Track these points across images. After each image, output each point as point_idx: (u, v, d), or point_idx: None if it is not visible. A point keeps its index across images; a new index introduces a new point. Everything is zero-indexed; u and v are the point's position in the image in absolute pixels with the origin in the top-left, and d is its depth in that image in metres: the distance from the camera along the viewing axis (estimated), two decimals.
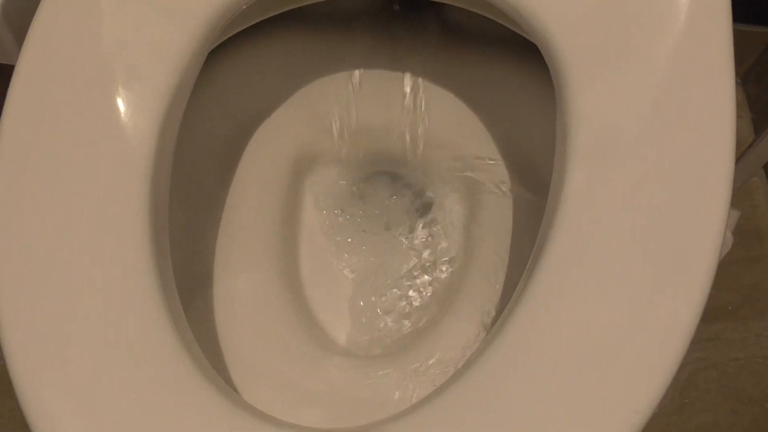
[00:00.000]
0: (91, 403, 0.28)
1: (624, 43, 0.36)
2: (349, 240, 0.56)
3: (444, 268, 0.55)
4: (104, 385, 0.28)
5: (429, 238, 0.56)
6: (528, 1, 0.39)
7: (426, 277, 0.54)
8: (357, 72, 0.56)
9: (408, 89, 0.57)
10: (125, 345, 0.29)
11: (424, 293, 0.53)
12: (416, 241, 0.57)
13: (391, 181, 0.60)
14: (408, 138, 0.58)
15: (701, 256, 0.30)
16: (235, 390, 0.42)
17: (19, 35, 0.38)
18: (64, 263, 0.30)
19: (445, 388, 0.27)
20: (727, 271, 0.81)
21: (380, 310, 0.51)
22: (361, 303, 0.52)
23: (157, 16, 0.37)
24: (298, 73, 0.56)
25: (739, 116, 0.92)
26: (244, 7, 0.40)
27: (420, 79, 0.56)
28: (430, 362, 0.43)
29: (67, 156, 0.32)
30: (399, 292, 0.54)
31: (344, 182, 0.59)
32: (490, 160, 0.55)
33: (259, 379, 0.44)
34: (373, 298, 0.53)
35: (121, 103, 0.34)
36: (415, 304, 0.52)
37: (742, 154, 0.69)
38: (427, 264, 0.55)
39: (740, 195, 0.88)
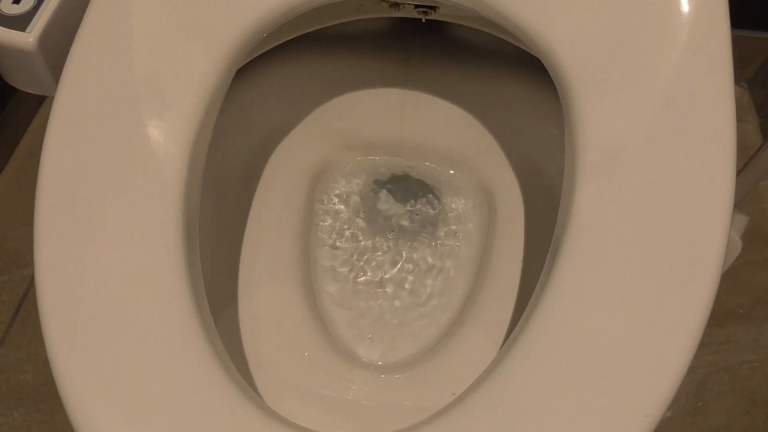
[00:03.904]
0: (130, 403, 0.30)
1: (627, 62, 0.37)
2: (366, 251, 0.58)
3: (461, 278, 0.56)
4: (141, 385, 0.30)
5: (445, 248, 0.58)
6: (535, 23, 0.41)
7: (442, 286, 0.56)
8: (369, 89, 0.59)
9: (418, 104, 0.59)
10: (162, 354, 0.31)
11: (440, 302, 0.54)
12: (432, 251, 0.58)
13: (405, 193, 0.62)
14: (420, 150, 0.60)
15: (706, 263, 0.32)
16: (260, 398, 0.44)
17: (55, 69, 0.40)
18: (105, 280, 0.32)
19: (463, 399, 0.29)
20: (737, 275, 0.82)
21: (397, 321, 0.53)
22: (379, 314, 0.54)
23: (184, 45, 0.39)
24: (314, 91, 0.58)
25: (746, 121, 0.93)
26: (264, 35, 0.42)
27: (430, 95, 0.58)
28: (448, 372, 0.45)
29: (106, 181, 0.34)
30: (416, 301, 0.55)
31: (359, 194, 0.61)
32: (502, 171, 0.57)
33: (282, 389, 0.46)
34: (390, 309, 0.54)
35: (153, 130, 0.36)
36: (433, 312, 0.54)
37: (750, 158, 0.70)
38: (444, 273, 0.57)
39: (749, 199, 0.89)
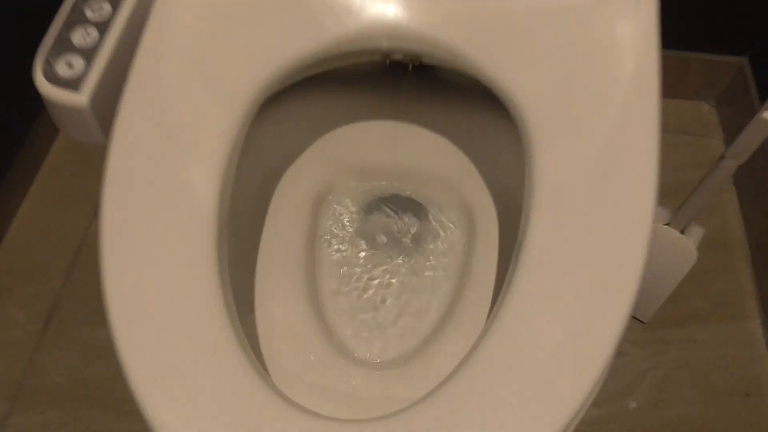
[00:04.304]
0: (183, 394, 0.38)
1: (574, 117, 0.46)
2: (363, 262, 0.66)
3: (446, 283, 0.65)
4: (191, 379, 0.38)
5: (431, 259, 0.67)
6: (502, 79, 0.49)
7: (429, 293, 0.64)
8: (365, 122, 0.67)
9: (408, 134, 0.67)
10: (206, 354, 0.39)
11: (426, 307, 0.63)
12: (420, 261, 0.67)
13: (398, 210, 0.70)
14: (410, 174, 0.69)
15: (627, 282, 0.40)
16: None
17: (102, 121, 0.49)
18: (159, 298, 0.40)
19: (435, 391, 0.37)
20: (700, 279, 0.90)
21: (389, 325, 0.61)
22: (374, 319, 0.62)
23: (210, 100, 0.47)
24: (317, 125, 0.66)
25: (713, 137, 1.02)
26: (276, 89, 0.50)
27: (418, 126, 0.67)
28: (430, 368, 0.53)
29: (154, 218, 0.42)
30: (405, 307, 0.64)
31: (357, 212, 0.69)
32: (480, 192, 0.65)
33: (294, 384, 0.54)
34: (383, 314, 0.63)
35: (188, 175, 0.44)
36: (419, 317, 0.62)
37: (705, 175, 0.78)
38: (430, 281, 0.65)
39: (713, 210, 0.97)
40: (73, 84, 0.47)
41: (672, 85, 1.07)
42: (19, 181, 0.99)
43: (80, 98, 0.47)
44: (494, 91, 0.50)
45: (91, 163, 1.03)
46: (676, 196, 0.76)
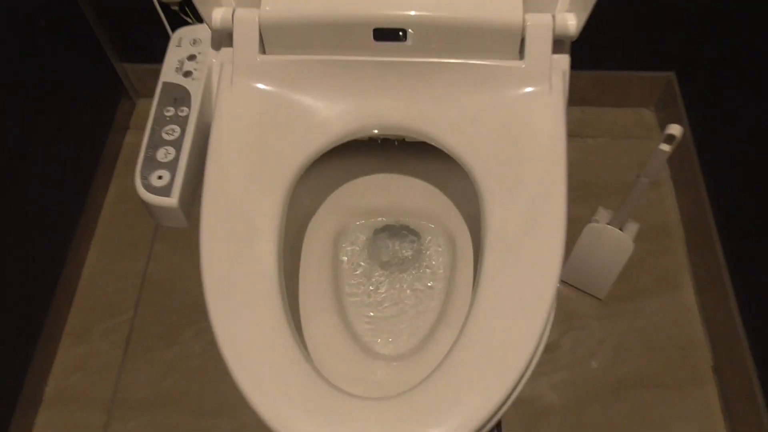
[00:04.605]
0: (268, 382, 0.59)
1: (512, 180, 0.67)
2: (374, 279, 0.87)
3: (439, 293, 0.86)
4: (270, 368, 0.59)
5: (426, 275, 0.88)
6: (460, 153, 0.70)
7: (426, 301, 0.85)
8: (365, 176, 0.88)
9: (399, 182, 0.88)
10: (283, 358, 0.60)
11: (425, 312, 0.84)
12: (417, 277, 0.88)
13: (396, 238, 0.91)
14: (403, 212, 0.90)
15: (544, 297, 0.61)
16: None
17: (186, 212, 0.70)
18: (246, 328, 0.62)
19: (423, 381, 0.58)
20: (644, 260, 1.11)
21: (398, 327, 0.83)
22: (387, 323, 0.84)
23: (261, 193, 0.68)
24: (331, 184, 0.88)
25: (651, 138, 1.23)
26: (303, 171, 0.71)
27: (407, 176, 0.88)
28: (430, 357, 0.75)
29: (235, 279, 0.64)
30: (409, 313, 0.85)
31: (365, 242, 0.91)
32: (459, 223, 0.86)
33: (333, 376, 0.75)
34: (394, 319, 0.84)
35: (253, 249, 0.65)
36: (420, 320, 0.83)
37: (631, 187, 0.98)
38: (426, 292, 0.86)
39: (654, 202, 1.18)
40: (165, 191, 0.69)
41: (618, 97, 1.28)
42: (84, 235, 1.19)
43: (172, 201, 0.68)
44: (456, 160, 0.71)
45: (137, 215, 1.24)
46: (622, 194, 0.96)
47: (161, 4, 1.10)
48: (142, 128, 1.30)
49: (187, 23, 1.11)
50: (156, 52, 1.23)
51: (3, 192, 0.96)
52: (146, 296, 1.15)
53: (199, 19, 0.77)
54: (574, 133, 1.26)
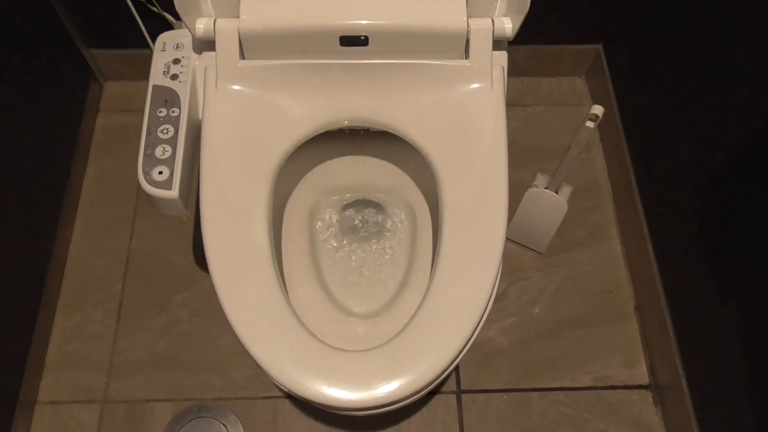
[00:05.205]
0: (259, 328, 0.72)
1: (463, 161, 0.80)
2: (346, 247, 1.00)
3: (403, 257, 1.00)
4: (269, 328, 0.72)
5: (392, 240, 1.01)
6: (417, 138, 0.82)
7: (392, 265, 0.99)
8: (335, 159, 1.00)
9: (365, 163, 1.01)
10: (277, 317, 0.73)
11: (391, 275, 0.98)
12: (384, 244, 1.01)
13: (365, 210, 1.04)
14: (369, 188, 1.02)
15: (492, 258, 0.75)
16: None
17: (185, 201, 0.81)
18: (246, 293, 0.74)
19: (396, 335, 0.72)
20: (577, 217, 1.27)
21: (369, 289, 0.96)
22: (359, 286, 0.97)
23: (249, 180, 0.79)
24: (306, 167, 0.99)
25: (583, 105, 1.38)
26: (285, 160, 0.83)
27: (371, 157, 1.00)
28: (399, 314, 0.89)
29: (235, 256, 0.75)
30: (378, 276, 0.99)
31: (337, 214, 1.03)
32: (417, 196, 0.99)
33: (320, 335, 0.89)
34: (365, 282, 0.98)
35: (247, 231, 0.77)
36: (387, 282, 0.97)
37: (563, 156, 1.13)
38: (392, 257, 1.00)
39: (587, 163, 1.33)
40: (167, 185, 0.79)
41: (552, 68, 1.41)
42: (68, 215, 1.28)
43: (173, 194, 0.79)
44: (415, 147, 0.84)
45: (116, 194, 1.33)
46: (559, 156, 1.10)
47: None
48: (113, 110, 1.38)
49: (153, 13, 1.18)
50: (121, 38, 1.30)
51: None
52: (133, 269, 1.24)
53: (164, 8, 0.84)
54: (515, 102, 1.40)
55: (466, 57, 0.84)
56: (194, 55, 0.87)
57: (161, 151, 0.81)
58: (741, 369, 0.90)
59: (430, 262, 0.95)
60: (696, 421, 1.00)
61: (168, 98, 0.84)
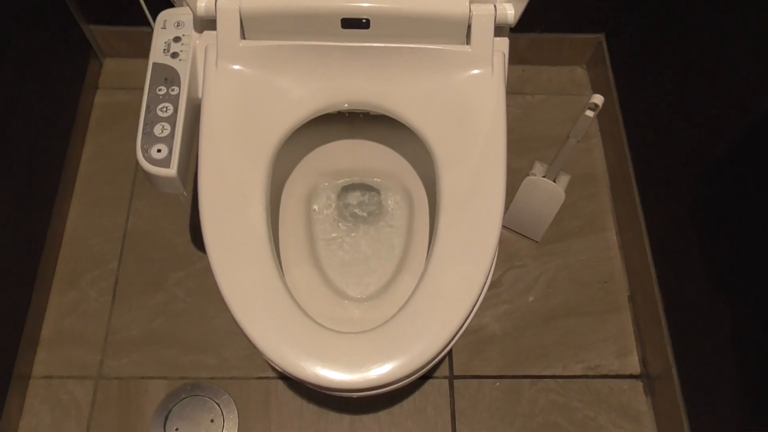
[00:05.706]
0: (252, 306, 0.72)
1: (461, 148, 0.80)
2: (343, 230, 1.01)
3: (399, 242, 1.00)
4: (265, 308, 0.72)
5: (388, 225, 1.01)
6: (417, 124, 0.82)
7: (388, 249, 0.99)
8: (334, 142, 1.00)
9: (363, 147, 1.00)
10: (273, 298, 0.73)
11: (388, 259, 0.98)
12: (380, 227, 1.01)
13: (361, 193, 1.04)
14: (367, 172, 1.02)
15: (488, 242, 0.75)
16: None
17: (182, 180, 0.81)
18: (242, 273, 0.74)
19: (391, 318, 0.72)
20: (574, 206, 1.27)
21: (366, 272, 0.97)
22: (356, 269, 0.98)
23: (248, 161, 0.79)
24: (304, 149, 0.99)
25: (583, 94, 1.38)
26: (283, 142, 0.83)
27: (369, 141, 1.00)
28: (395, 298, 0.89)
29: (232, 235, 0.76)
30: (375, 260, 0.99)
31: (335, 198, 1.03)
32: (414, 181, 0.99)
33: (316, 317, 0.89)
34: (362, 265, 0.98)
35: (244, 211, 0.77)
36: (384, 265, 0.97)
37: (561, 145, 1.13)
38: (388, 241, 1.00)
39: (585, 152, 1.34)
40: (165, 163, 0.79)
41: (554, 56, 1.41)
42: (65, 191, 1.28)
43: (172, 172, 0.79)
44: (414, 132, 0.84)
45: (113, 171, 1.33)
46: (558, 145, 1.10)
47: None
48: (112, 88, 1.38)
49: None
50: (122, 15, 1.30)
51: None
52: (129, 248, 1.24)
53: None
54: (515, 90, 1.40)
55: (468, 42, 0.84)
56: (195, 34, 0.87)
57: (160, 129, 0.81)
58: (731, 361, 0.91)
59: (426, 246, 0.95)
60: (685, 412, 1.01)
61: (168, 76, 0.84)
